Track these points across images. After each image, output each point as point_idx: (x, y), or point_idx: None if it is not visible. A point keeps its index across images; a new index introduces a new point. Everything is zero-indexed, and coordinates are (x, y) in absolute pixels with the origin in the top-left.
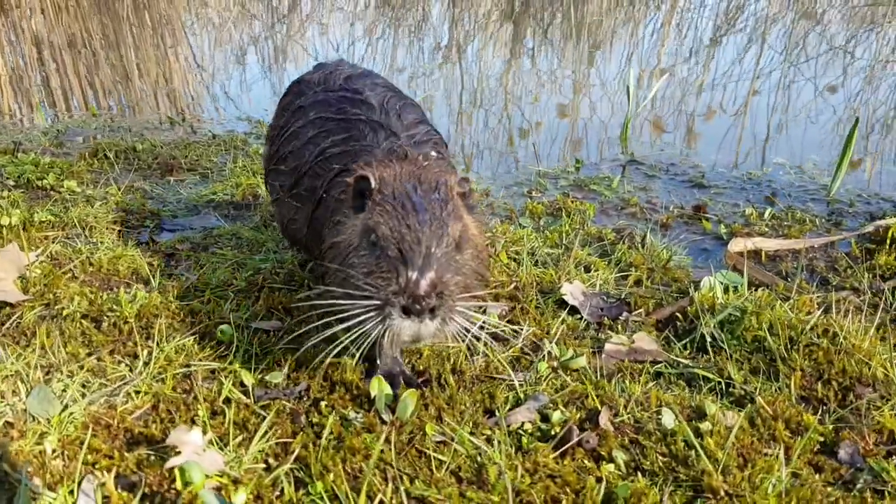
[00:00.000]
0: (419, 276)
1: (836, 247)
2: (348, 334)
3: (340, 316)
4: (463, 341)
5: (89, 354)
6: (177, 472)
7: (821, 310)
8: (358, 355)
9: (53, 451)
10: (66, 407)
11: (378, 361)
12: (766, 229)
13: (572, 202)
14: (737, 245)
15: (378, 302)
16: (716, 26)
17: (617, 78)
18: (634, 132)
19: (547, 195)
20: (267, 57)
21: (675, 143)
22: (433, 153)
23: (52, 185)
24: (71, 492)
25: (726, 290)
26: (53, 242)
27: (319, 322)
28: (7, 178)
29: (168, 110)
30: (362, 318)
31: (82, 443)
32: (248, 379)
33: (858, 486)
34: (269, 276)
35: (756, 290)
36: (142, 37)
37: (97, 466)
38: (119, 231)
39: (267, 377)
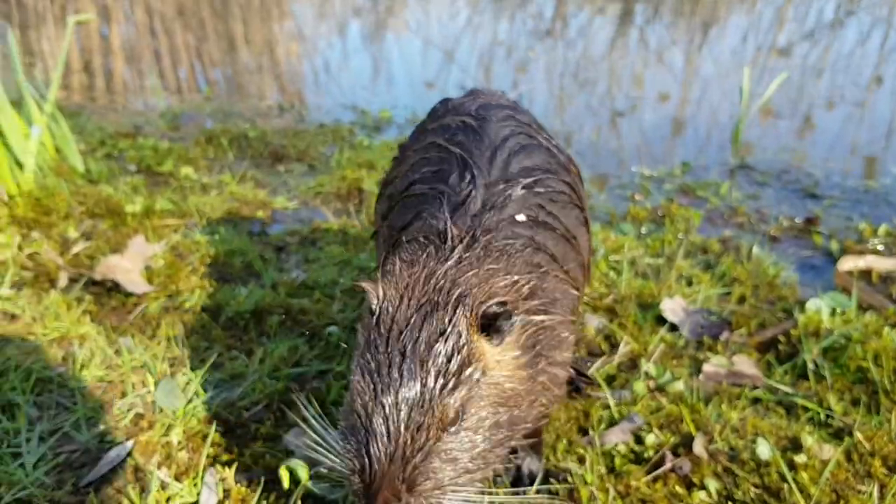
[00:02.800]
0: (376, 490)
1: None
2: None
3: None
4: None
5: (208, 349)
6: (282, 472)
7: None
8: None
9: (179, 443)
10: (190, 401)
11: None
12: (880, 247)
13: (677, 208)
14: (847, 263)
15: (347, 474)
16: (837, 5)
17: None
18: (749, 132)
19: (651, 200)
20: (367, 31)
21: (788, 139)
22: (520, 217)
23: (170, 171)
24: (195, 483)
25: (833, 313)
26: (175, 233)
27: None
28: (129, 163)
29: (272, 87)
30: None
31: (205, 436)
32: None
33: None
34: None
35: (865, 313)
36: (248, 7)
37: (218, 460)
38: (233, 222)
39: None
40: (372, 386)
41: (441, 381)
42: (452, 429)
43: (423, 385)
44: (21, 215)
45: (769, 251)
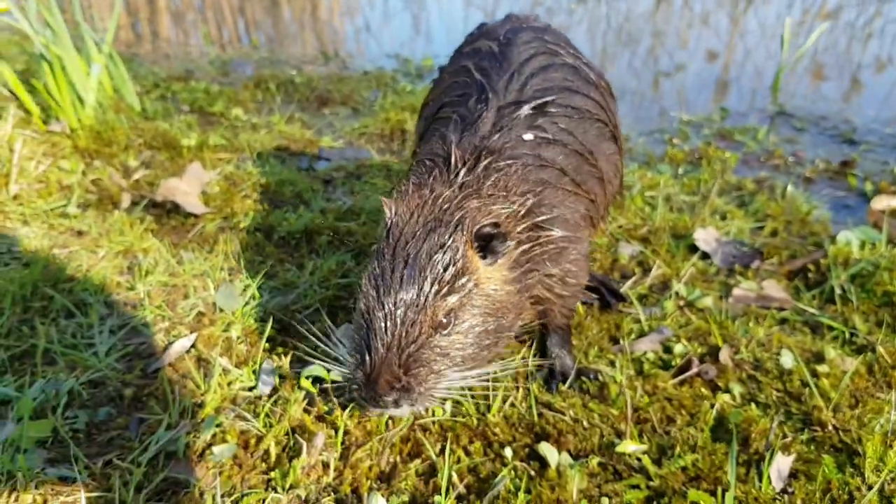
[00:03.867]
0: (376, 375)
1: None
2: None
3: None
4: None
5: (262, 262)
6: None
7: None
8: None
9: (238, 337)
10: (247, 303)
11: None
12: None
13: (714, 151)
14: (880, 202)
15: (350, 377)
16: None
17: (777, 21)
18: (789, 83)
19: (689, 143)
20: None
21: (832, 95)
22: (527, 136)
23: (221, 111)
24: (253, 371)
25: (863, 245)
26: (228, 164)
27: None
28: (182, 104)
29: (315, 40)
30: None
31: (262, 333)
32: None
33: None
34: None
35: (895, 248)
36: None
37: (274, 353)
38: (282, 158)
39: None
40: (375, 289)
41: (436, 287)
42: (445, 331)
43: (420, 289)
44: (83, 146)
45: (803, 191)
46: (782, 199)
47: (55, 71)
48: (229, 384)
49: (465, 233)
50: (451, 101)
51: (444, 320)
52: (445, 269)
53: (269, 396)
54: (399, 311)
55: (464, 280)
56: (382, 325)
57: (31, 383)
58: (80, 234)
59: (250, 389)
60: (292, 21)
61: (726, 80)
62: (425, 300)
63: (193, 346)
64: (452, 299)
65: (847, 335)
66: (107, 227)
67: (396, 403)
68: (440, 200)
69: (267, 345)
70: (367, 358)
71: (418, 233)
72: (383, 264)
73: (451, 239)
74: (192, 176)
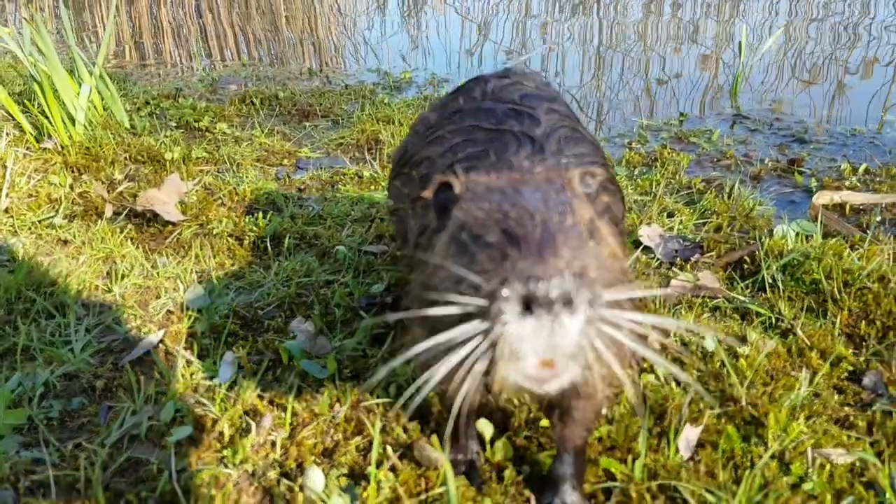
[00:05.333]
0: (541, 249)
1: None
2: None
3: (423, 347)
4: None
5: (232, 264)
6: (280, 349)
7: (888, 259)
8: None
9: (202, 332)
10: (213, 302)
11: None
12: (858, 184)
13: (668, 153)
14: (822, 197)
15: (480, 302)
16: None
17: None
18: (749, 87)
19: (647, 146)
20: (407, 4)
21: (787, 97)
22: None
23: (207, 126)
24: (215, 362)
25: (798, 237)
26: (207, 175)
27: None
28: (170, 120)
29: (312, 60)
30: (456, 334)
31: (224, 328)
32: (355, 288)
33: (874, 407)
34: (382, 209)
35: (832, 239)
36: None
37: (235, 345)
38: (261, 168)
39: (371, 289)
40: (497, 200)
41: (565, 193)
42: (591, 242)
43: (550, 192)
44: (73, 162)
45: (752, 189)
46: (729, 197)
47: (46, 92)
48: (192, 374)
49: (569, 177)
50: (469, 157)
51: (590, 226)
52: (564, 192)
53: (228, 384)
54: (538, 204)
55: (589, 207)
56: (523, 211)
57: (10, 377)
58: (65, 242)
59: (211, 378)
60: (289, 39)
61: (690, 85)
62: (564, 197)
63: (161, 341)
64: (588, 211)
65: (773, 320)
66: (90, 235)
67: (571, 306)
68: (519, 174)
69: (230, 339)
70: (518, 243)
71: (512, 182)
72: (486, 195)
73: (557, 179)
74: (170, 186)
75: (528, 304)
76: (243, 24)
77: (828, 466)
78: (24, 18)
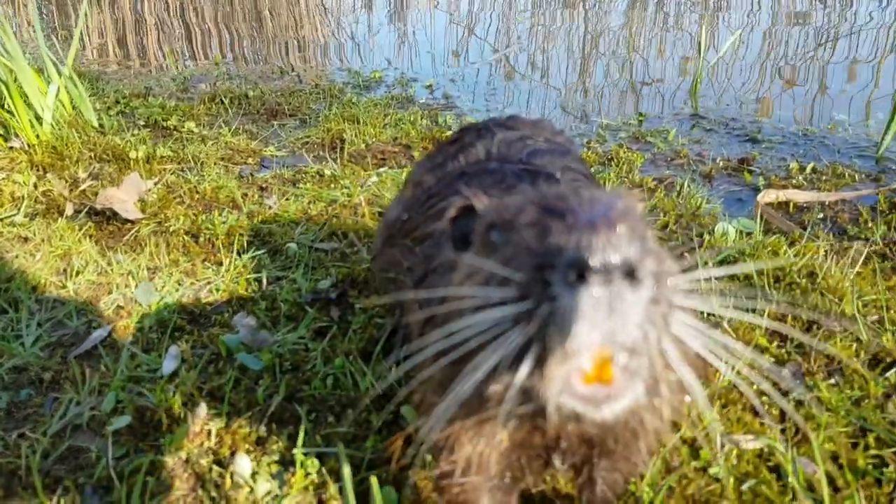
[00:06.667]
0: (593, 218)
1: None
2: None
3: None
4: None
5: (185, 261)
6: (219, 342)
7: (822, 255)
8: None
9: (150, 327)
10: (162, 298)
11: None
12: (804, 183)
13: (624, 152)
14: (768, 196)
15: (519, 277)
16: None
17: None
18: (708, 87)
19: (605, 146)
20: (392, 2)
21: (746, 97)
22: None
23: (175, 125)
24: (160, 355)
25: (739, 234)
26: (170, 174)
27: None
28: (138, 119)
29: (289, 59)
30: (492, 316)
31: (171, 322)
32: (303, 284)
33: (790, 396)
34: (337, 207)
35: (773, 236)
36: None
37: (180, 339)
38: (225, 166)
39: (318, 285)
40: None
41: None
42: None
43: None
44: (39, 160)
45: (702, 187)
46: (678, 196)
47: (12, 91)
48: (136, 367)
49: None
50: None
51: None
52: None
53: (169, 376)
54: (584, 197)
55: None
56: (566, 200)
57: None
58: (25, 240)
59: (154, 371)
60: (272, 37)
61: (651, 87)
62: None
63: (109, 335)
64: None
65: (704, 315)
66: (49, 233)
67: (633, 276)
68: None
69: (177, 334)
70: (564, 217)
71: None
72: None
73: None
74: (129, 185)
75: (583, 271)
76: (227, 22)
77: (735, 452)
78: None
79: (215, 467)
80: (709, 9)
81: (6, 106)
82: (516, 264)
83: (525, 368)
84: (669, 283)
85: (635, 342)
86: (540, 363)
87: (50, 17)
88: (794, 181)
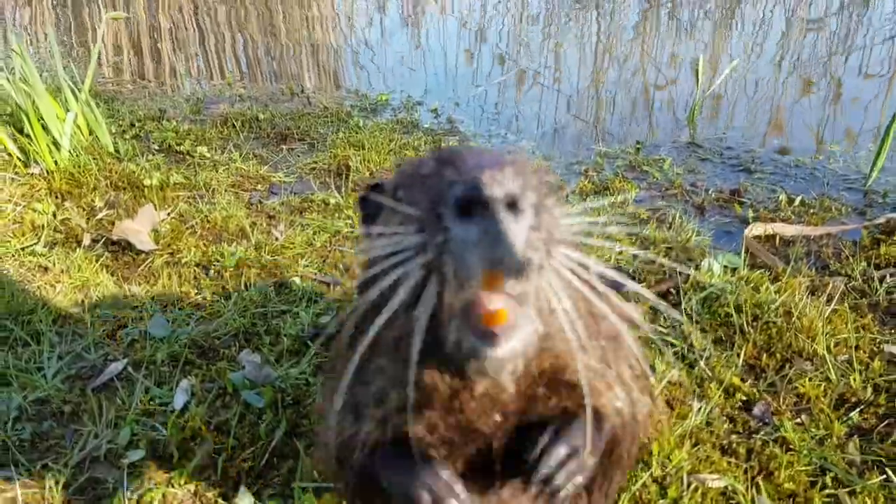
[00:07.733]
0: (480, 162)
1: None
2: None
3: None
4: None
5: (197, 293)
6: (226, 380)
7: (802, 292)
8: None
9: (162, 360)
10: (174, 331)
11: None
12: (792, 216)
13: (620, 182)
14: (755, 229)
15: (416, 213)
16: None
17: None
18: (706, 116)
19: (602, 175)
20: (406, 9)
21: (742, 125)
22: None
23: (188, 150)
24: (171, 389)
25: (725, 270)
26: (183, 202)
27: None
28: (153, 143)
29: (300, 79)
30: (394, 258)
31: (182, 356)
32: (305, 319)
33: (758, 436)
34: (340, 239)
35: (757, 271)
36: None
37: (191, 373)
38: (236, 193)
39: (320, 319)
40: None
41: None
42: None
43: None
44: (57, 188)
45: (694, 218)
46: (670, 228)
47: (31, 119)
48: (150, 400)
49: None
50: None
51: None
52: None
53: (181, 410)
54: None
55: None
56: (457, 154)
57: None
58: (45, 270)
59: (166, 405)
60: (286, 54)
61: (653, 113)
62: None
63: (125, 368)
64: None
65: (685, 351)
66: (69, 263)
67: (514, 207)
68: None
69: (188, 367)
70: (453, 165)
71: None
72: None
73: None
74: (144, 216)
75: (468, 206)
76: (246, 41)
77: (700, 490)
78: (13, 49)
79: (220, 501)
80: (707, 44)
81: (25, 131)
82: (415, 206)
83: (427, 298)
84: (550, 215)
85: (519, 266)
86: (440, 296)
87: (67, 30)
88: (782, 214)
